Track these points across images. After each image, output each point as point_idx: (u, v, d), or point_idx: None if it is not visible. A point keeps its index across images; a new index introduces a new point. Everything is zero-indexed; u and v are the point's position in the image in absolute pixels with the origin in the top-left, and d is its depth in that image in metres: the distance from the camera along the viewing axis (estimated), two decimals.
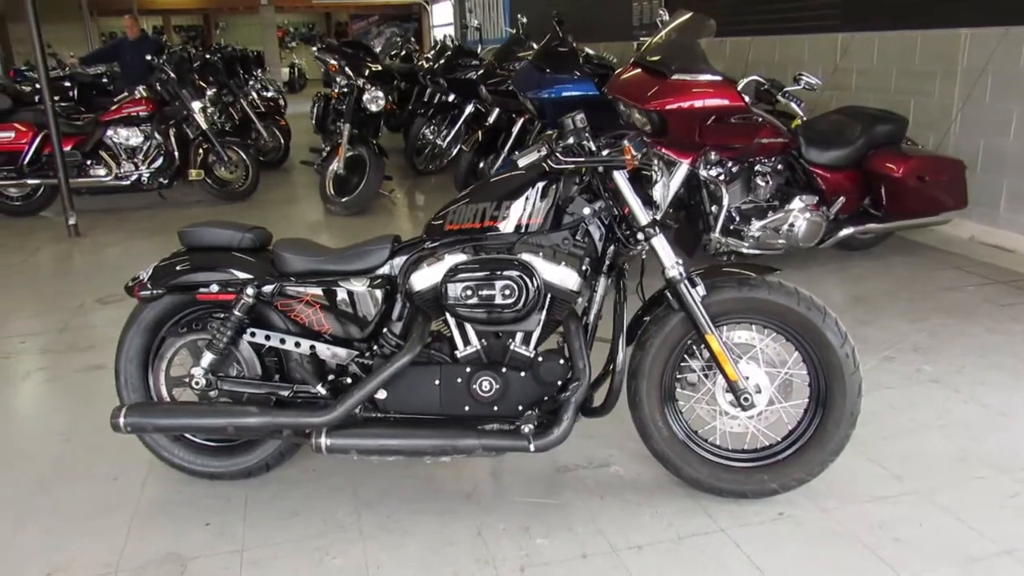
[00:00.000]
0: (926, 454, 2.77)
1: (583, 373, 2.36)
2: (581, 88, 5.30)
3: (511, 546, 2.34)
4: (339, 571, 2.27)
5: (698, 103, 4.01)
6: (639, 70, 4.29)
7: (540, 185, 2.39)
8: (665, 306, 2.45)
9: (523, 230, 2.40)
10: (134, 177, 7.14)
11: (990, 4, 5.15)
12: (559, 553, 2.30)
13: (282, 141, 9.42)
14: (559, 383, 2.43)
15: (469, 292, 2.35)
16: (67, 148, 6.91)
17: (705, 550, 2.30)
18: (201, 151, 7.35)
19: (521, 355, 2.45)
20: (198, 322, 2.59)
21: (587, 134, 2.32)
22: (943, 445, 2.83)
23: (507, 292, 2.33)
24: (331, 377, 2.56)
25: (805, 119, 4.74)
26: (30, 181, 7.02)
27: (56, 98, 8.59)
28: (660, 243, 2.38)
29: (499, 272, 2.34)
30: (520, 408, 2.45)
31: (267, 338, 2.55)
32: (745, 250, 4.56)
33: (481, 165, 6.76)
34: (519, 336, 2.46)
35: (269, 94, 12.05)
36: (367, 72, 7.43)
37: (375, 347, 2.56)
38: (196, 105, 7.23)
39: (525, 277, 2.33)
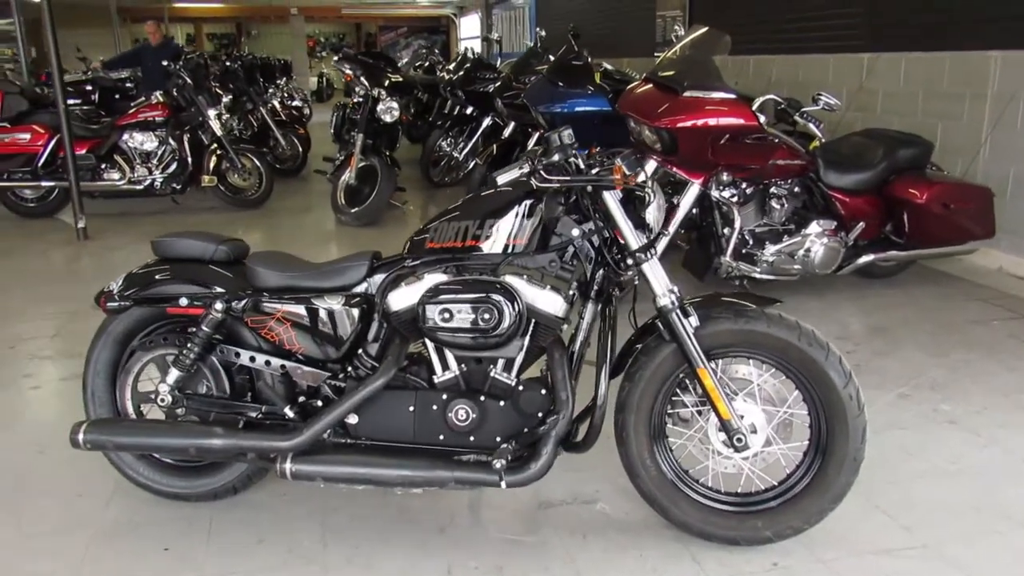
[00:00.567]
0: (938, 503, 2.57)
1: (565, 405, 2.21)
2: (594, 103, 5.17)
3: None
4: None
5: (710, 121, 3.85)
6: (650, 86, 4.14)
7: (527, 204, 2.25)
8: (656, 336, 2.30)
9: (508, 251, 2.26)
10: (147, 182, 7.11)
11: (1023, 26, 4.94)
12: None
13: (300, 150, 9.38)
14: (540, 414, 2.28)
15: (447, 315, 2.21)
16: (82, 151, 6.92)
17: None
18: (215, 157, 7.32)
19: (501, 383, 2.31)
20: (167, 336, 2.48)
21: (574, 151, 2.18)
22: (957, 493, 2.63)
23: (487, 316, 2.19)
24: (301, 399, 2.44)
25: (824, 141, 4.56)
26: (44, 183, 7.02)
27: (78, 101, 8.68)
28: (651, 269, 2.23)
29: (479, 295, 2.20)
30: (498, 440, 2.30)
31: (236, 355, 2.43)
32: (757, 275, 4.38)
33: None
34: (500, 363, 2.32)
35: (295, 103, 12.09)
36: (386, 83, 7.37)
37: (349, 369, 2.43)
38: (211, 111, 7.20)
39: (506, 301, 2.18)
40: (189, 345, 2.39)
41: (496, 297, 2.18)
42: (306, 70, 21.69)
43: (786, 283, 4.56)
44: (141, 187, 7.12)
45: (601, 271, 2.31)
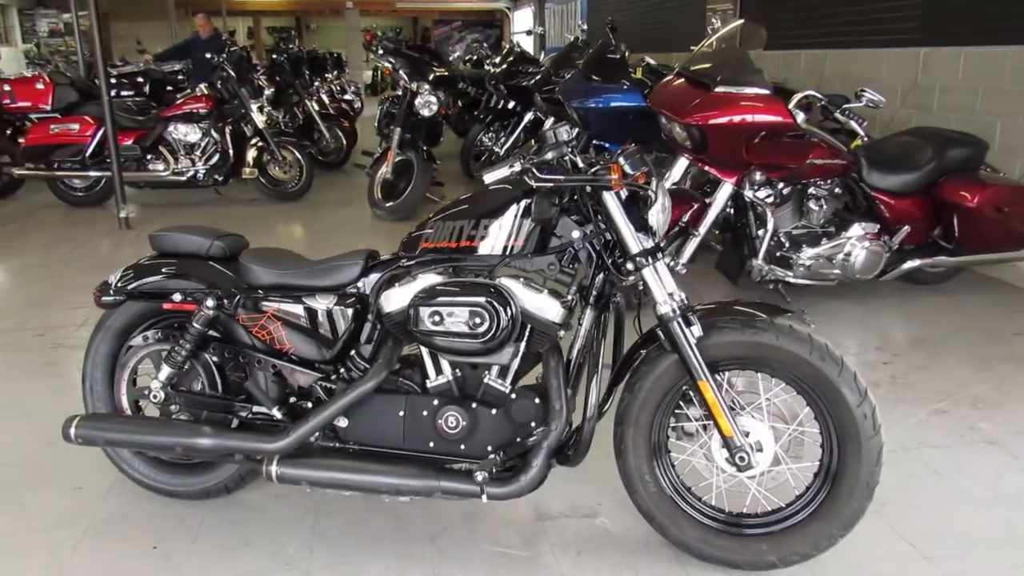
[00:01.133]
0: (966, 531, 2.39)
1: (558, 415, 2.10)
2: (630, 99, 5.00)
3: None
4: None
5: (741, 118, 3.68)
6: (682, 81, 3.99)
7: (524, 203, 2.15)
8: (657, 346, 2.17)
9: (505, 252, 2.16)
10: (190, 173, 7.20)
11: None
12: None
13: (344, 143, 9.41)
14: (533, 424, 2.18)
15: (437, 318, 2.12)
16: (128, 142, 7.05)
17: None
18: (256, 150, 7.37)
19: (495, 390, 2.21)
20: (162, 332, 2.45)
21: (571, 148, 2.07)
22: (989, 522, 2.44)
23: (478, 320, 2.09)
24: (293, 400, 2.38)
25: (866, 139, 4.33)
26: (91, 173, 7.16)
27: (131, 93, 8.85)
28: (651, 274, 2.10)
29: (470, 298, 2.10)
30: (489, 449, 2.21)
31: (229, 354, 2.39)
32: (792, 279, 4.19)
33: None
34: (495, 369, 2.22)
35: (347, 96, 12.16)
36: (431, 76, 7.32)
37: (342, 371, 2.36)
38: (253, 104, 7.26)
39: (499, 305, 2.08)
40: (181, 342, 2.35)
41: (487, 301, 2.09)
42: (361, 64, 21.82)
43: (824, 288, 4.36)
44: (184, 178, 7.22)
45: (601, 275, 2.19)
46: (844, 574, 2.20)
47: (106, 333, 2.52)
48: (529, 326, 2.16)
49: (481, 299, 2.09)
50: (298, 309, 2.31)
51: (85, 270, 5.32)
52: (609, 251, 2.17)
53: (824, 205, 4.22)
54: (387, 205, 6.72)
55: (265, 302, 2.33)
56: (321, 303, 2.30)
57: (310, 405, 2.35)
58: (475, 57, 12.25)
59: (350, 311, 2.30)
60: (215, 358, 2.41)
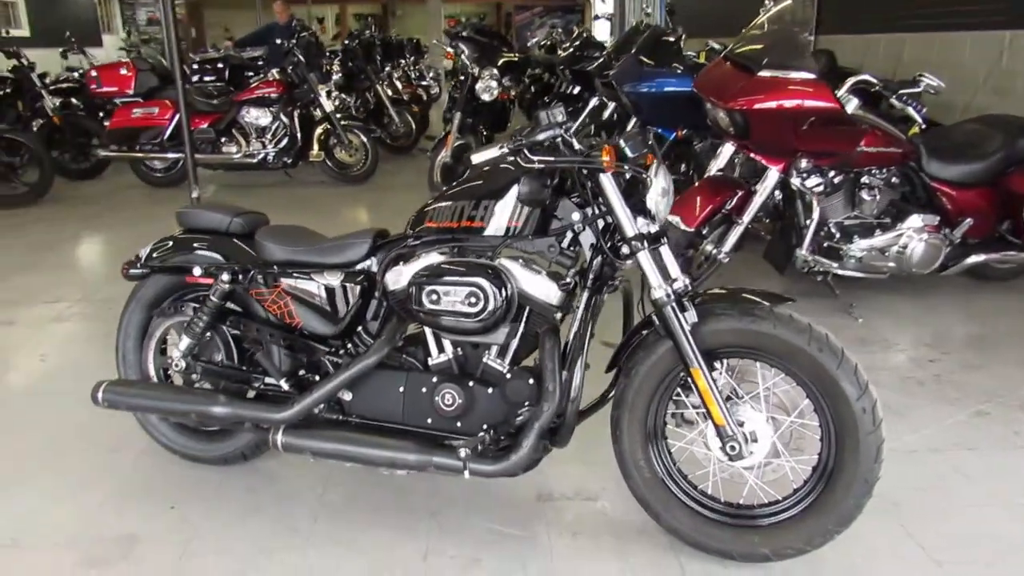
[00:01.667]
0: (986, 539, 2.27)
1: (550, 396, 2.10)
2: (682, 84, 4.90)
3: None
4: (271, 573, 2.16)
5: (785, 104, 3.56)
6: (727, 65, 3.88)
7: None
8: (654, 331, 2.15)
9: (506, 233, 2.17)
10: (260, 156, 7.44)
11: None
12: None
13: (413, 127, 9.54)
14: (527, 405, 2.19)
15: (435, 296, 2.16)
16: (204, 125, 7.35)
17: None
18: (323, 133, 7.57)
19: (494, 369, 2.24)
20: (184, 304, 2.57)
21: (566, 129, 2.05)
22: (1014, 530, 2.32)
23: (473, 300, 2.12)
24: (302, 373, 2.46)
25: (924, 126, 4.12)
26: (169, 155, 7.50)
27: (212, 79, 9.20)
28: (646, 258, 2.08)
29: (466, 278, 2.13)
30: (484, 428, 2.23)
31: (244, 327, 2.48)
32: (840, 271, 4.04)
33: None
34: (494, 349, 2.25)
35: (425, 82, 12.31)
36: (499, 62, 7.35)
37: (350, 346, 2.43)
38: (322, 89, 7.44)
39: (493, 285, 2.11)
40: (199, 313, 2.46)
41: (482, 281, 2.11)
42: (443, 49, 22.00)
43: (880, 282, 4.20)
44: (255, 160, 7.47)
45: (599, 258, 2.18)
46: (840, 571, 2.13)
47: (137, 304, 2.66)
48: (528, 307, 2.17)
49: (477, 279, 2.12)
50: (307, 285, 2.38)
51: None
52: (610, 234, 2.16)
53: (878, 195, 4.04)
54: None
55: (277, 277, 2.41)
56: (329, 280, 2.37)
57: (318, 378, 2.42)
58: (549, 42, 12.20)
59: (357, 288, 2.36)
60: (234, 331, 2.51)
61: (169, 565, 2.21)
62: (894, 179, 4.10)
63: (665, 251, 2.22)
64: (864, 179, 4.04)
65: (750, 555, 2.12)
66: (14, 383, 3.40)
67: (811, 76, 3.58)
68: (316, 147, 7.49)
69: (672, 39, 5.25)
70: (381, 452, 2.19)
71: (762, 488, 2.15)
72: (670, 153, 5.26)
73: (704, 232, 4.09)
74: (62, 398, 3.21)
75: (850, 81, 3.84)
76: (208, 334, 2.51)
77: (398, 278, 2.27)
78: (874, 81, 3.86)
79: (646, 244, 2.07)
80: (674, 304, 2.06)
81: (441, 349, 2.31)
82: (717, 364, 2.14)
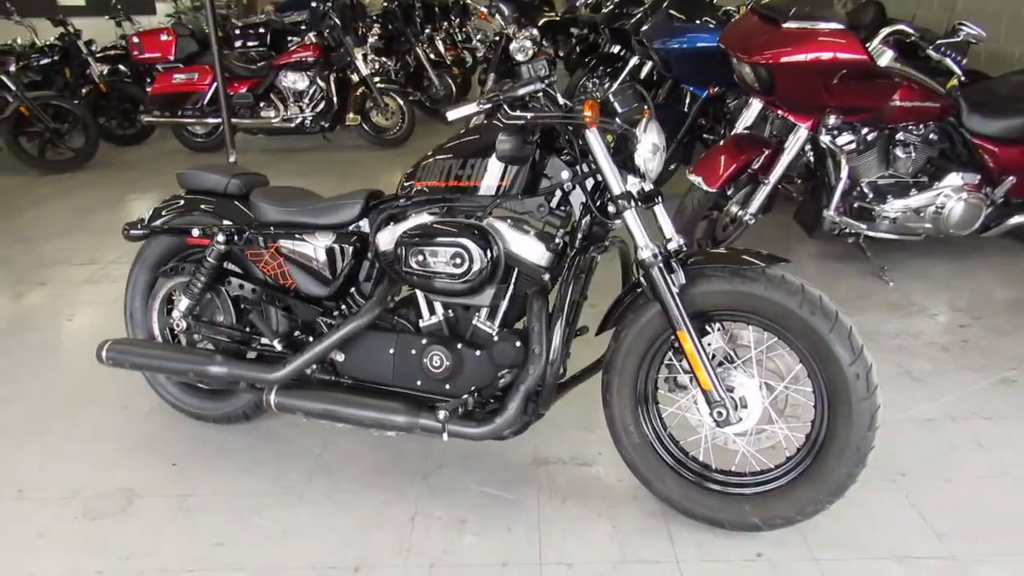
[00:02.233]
0: (993, 512, 2.17)
1: (536, 359, 2.06)
2: (716, 39, 4.72)
3: (436, 539, 2.14)
4: (259, 533, 2.19)
5: (810, 56, 3.39)
6: (754, 17, 3.72)
7: None
8: (642, 293, 2.08)
9: (494, 192, 2.13)
10: (298, 120, 7.47)
11: None
12: (480, 556, 2.07)
13: (453, 91, 9.46)
14: (514, 368, 2.16)
15: (420, 257, 2.14)
16: (242, 90, 7.41)
17: None
18: (359, 97, 7.56)
19: (483, 332, 2.21)
20: (185, 265, 2.59)
21: (548, 83, 1.99)
22: (1021, 504, 2.21)
23: (458, 261, 2.09)
24: (297, 334, 2.47)
25: (963, 79, 3.90)
26: (209, 120, 7.59)
27: (255, 44, 9.26)
28: (633, 217, 2.01)
29: (451, 238, 2.10)
30: (473, 390, 2.21)
31: (240, 287, 2.50)
32: (872, 233, 3.87)
33: None
34: (484, 311, 2.22)
35: (472, 44, 12.19)
36: (540, 22, 7.22)
37: (344, 307, 2.42)
38: (358, 52, 7.42)
39: (477, 246, 2.07)
40: (197, 274, 2.48)
41: (467, 242, 2.07)
42: (479, 10, 21.75)
43: (917, 244, 4.02)
44: (293, 125, 7.50)
45: (588, 218, 2.12)
46: (839, 542, 2.06)
47: (143, 265, 2.70)
48: (516, 269, 2.13)
49: (462, 240, 2.08)
50: (300, 246, 2.38)
51: None
52: (600, 193, 2.10)
53: (914, 152, 3.86)
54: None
55: (270, 238, 2.41)
56: (322, 241, 2.36)
57: (311, 340, 2.43)
58: (595, 0, 11.92)
59: (350, 249, 2.35)
60: (233, 292, 2.53)
61: (164, 519, 2.26)
62: (932, 135, 3.90)
63: (660, 210, 2.15)
64: (899, 135, 3.85)
65: (740, 523, 2.07)
66: (39, 341, 3.50)
67: (839, 27, 3.41)
68: (354, 111, 7.49)
69: None
70: (369, 413, 2.19)
71: (754, 456, 2.08)
72: (702, 112, 5.10)
73: (729, 192, 3.97)
74: (82, 357, 3.29)
75: (884, 32, 3.65)
76: (208, 295, 2.53)
77: (388, 239, 2.25)
78: (910, 31, 3.66)
79: (633, 203, 2.00)
80: (661, 265, 1.99)
81: (432, 311, 2.29)
82: (710, 327, 2.08)
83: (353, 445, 2.58)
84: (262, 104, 7.56)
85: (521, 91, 1.97)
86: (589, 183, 2.09)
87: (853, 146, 3.79)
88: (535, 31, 6.47)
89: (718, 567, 2.00)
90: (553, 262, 2.12)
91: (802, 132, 3.70)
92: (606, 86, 8.03)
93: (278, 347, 2.43)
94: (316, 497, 2.34)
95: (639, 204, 2.03)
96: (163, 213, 2.55)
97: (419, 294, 2.29)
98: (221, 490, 2.39)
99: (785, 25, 3.47)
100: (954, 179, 3.85)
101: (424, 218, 2.21)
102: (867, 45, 3.54)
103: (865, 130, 3.80)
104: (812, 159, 4.04)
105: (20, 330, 3.63)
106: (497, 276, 2.11)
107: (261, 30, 9.45)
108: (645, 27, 5.13)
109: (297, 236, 2.38)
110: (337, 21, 7.41)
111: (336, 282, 2.37)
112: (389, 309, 2.34)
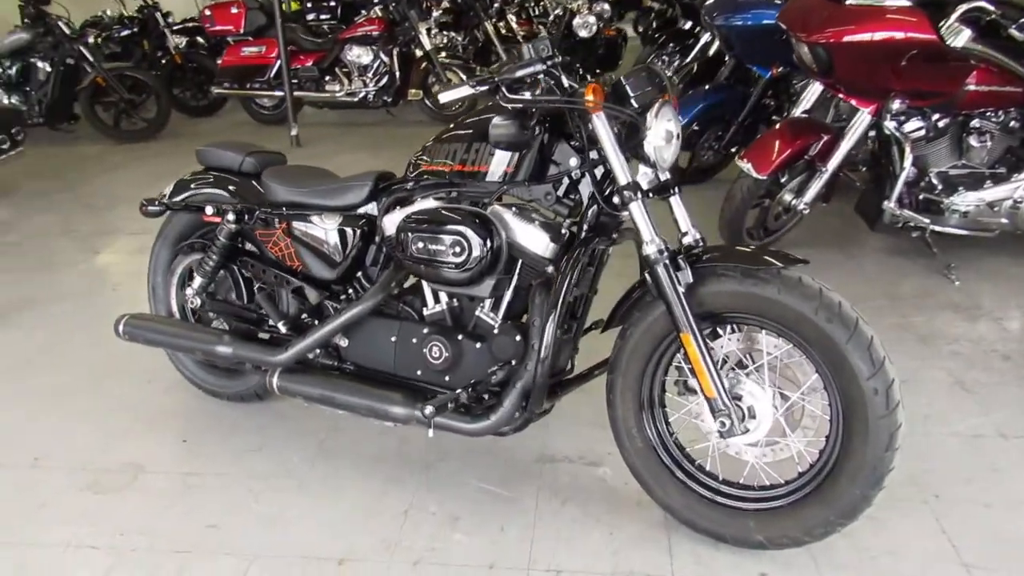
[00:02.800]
0: None
1: (535, 355, 1.97)
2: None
3: (425, 535, 2.08)
4: (253, 518, 2.18)
5: (874, 36, 3.14)
6: None
7: None
8: (648, 290, 1.95)
9: (500, 178, 2.03)
10: (361, 94, 7.48)
11: None
12: (468, 556, 2.00)
13: None
14: (513, 362, 2.07)
15: (420, 244, 2.06)
16: (308, 64, 7.46)
17: None
18: (422, 71, 7.51)
19: (485, 323, 2.13)
20: (199, 243, 2.59)
21: (552, 64, 1.86)
22: None
23: (457, 249, 2.00)
24: (304, 317, 2.43)
25: None
26: (275, 93, 7.66)
27: (327, 16, 9.32)
28: (639, 210, 1.88)
29: (452, 226, 2.01)
30: (472, 383, 2.13)
31: (250, 267, 2.48)
32: (939, 228, 3.60)
33: None
34: (488, 302, 2.13)
35: (549, 19, 12.00)
36: None
37: (350, 291, 2.37)
38: (422, 26, 7.36)
39: (477, 234, 1.97)
40: (209, 252, 2.47)
41: (466, 229, 1.98)
42: None
43: (991, 242, 3.71)
44: (356, 99, 7.51)
45: (594, 208, 1.99)
46: (850, 565, 1.90)
47: (164, 241, 2.71)
48: (521, 259, 2.03)
49: (462, 227, 2.00)
50: (308, 227, 2.34)
51: None
52: (609, 182, 1.97)
53: (991, 141, 3.54)
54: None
55: (279, 218, 2.37)
56: (326, 223, 2.31)
57: (316, 323, 2.39)
58: None
59: (357, 232, 2.29)
60: (245, 271, 2.52)
61: (165, 498, 2.27)
62: (1012, 123, 3.58)
63: (676, 201, 2.01)
64: (974, 123, 3.54)
65: (744, 540, 1.93)
66: (79, 311, 3.57)
67: (905, 3, 3.15)
68: (417, 86, 7.45)
69: None
70: (367, 402, 2.14)
71: (764, 469, 1.94)
72: (766, 93, 4.84)
73: (783, 180, 3.75)
74: (103, 328, 3.35)
75: (961, 8, 3.34)
76: (221, 273, 2.52)
77: (393, 223, 2.17)
78: (990, 8, 3.35)
79: (640, 194, 1.87)
80: (667, 262, 1.85)
81: (437, 300, 2.21)
82: (722, 330, 1.94)
83: (359, 431, 2.54)
84: (327, 78, 7.59)
85: (519, 72, 1.85)
86: (598, 172, 1.97)
87: (922, 133, 3.51)
88: (606, 5, 6.27)
89: None
90: (558, 253, 2.01)
91: (864, 117, 3.46)
92: (675, 64, 7.77)
93: (283, 329, 2.40)
94: (314, 484, 2.31)
95: (647, 196, 1.89)
96: (179, 189, 2.54)
97: (424, 282, 2.22)
98: (225, 470, 2.38)
99: (849, 1, 3.22)
100: None
101: (429, 203, 2.13)
102: (942, 23, 3.26)
103: (936, 116, 3.52)
104: (876, 146, 3.78)
105: (65, 299, 3.72)
106: (498, 267, 2.01)
107: (332, 2, 9.49)
108: (708, 2, 4.88)
109: (306, 217, 2.34)
110: None
111: (343, 265, 2.31)
112: (395, 296, 2.28)
